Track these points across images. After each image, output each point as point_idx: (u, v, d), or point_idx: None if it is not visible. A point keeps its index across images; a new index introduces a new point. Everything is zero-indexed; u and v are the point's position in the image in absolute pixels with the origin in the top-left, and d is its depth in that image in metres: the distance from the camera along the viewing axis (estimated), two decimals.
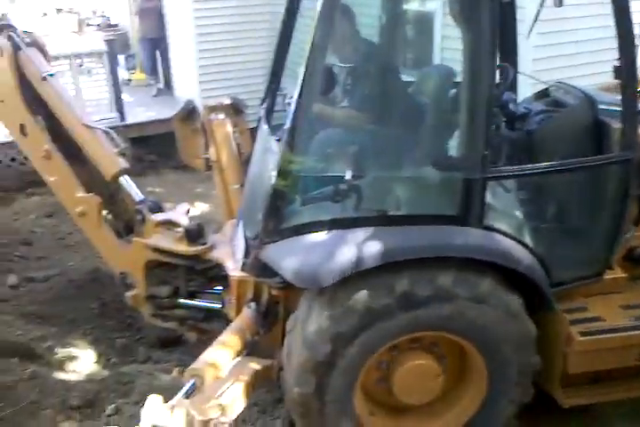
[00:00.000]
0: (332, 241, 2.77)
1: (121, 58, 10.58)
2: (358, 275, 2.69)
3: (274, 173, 2.84)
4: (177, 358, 4.65)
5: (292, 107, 2.74)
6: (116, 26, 11.79)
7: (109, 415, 3.72)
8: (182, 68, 9.95)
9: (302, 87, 2.70)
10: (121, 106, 8.75)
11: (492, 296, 2.80)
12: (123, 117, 8.68)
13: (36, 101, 3.96)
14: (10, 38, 3.97)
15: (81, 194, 3.94)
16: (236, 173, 4.21)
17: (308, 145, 2.94)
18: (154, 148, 8.71)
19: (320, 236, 2.83)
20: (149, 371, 4.26)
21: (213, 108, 4.24)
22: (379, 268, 2.68)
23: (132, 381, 4.04)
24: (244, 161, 4.18)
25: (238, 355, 3.00)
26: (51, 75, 3.96)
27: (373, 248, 2.68)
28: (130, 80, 10.90)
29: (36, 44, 4.09)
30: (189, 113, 4.41)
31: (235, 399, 2.81)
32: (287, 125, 2.77)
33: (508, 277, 2.87)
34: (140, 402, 3.85)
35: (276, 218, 2.90)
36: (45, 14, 12.66)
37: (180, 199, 6.09)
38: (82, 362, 4.17)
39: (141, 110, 9.51)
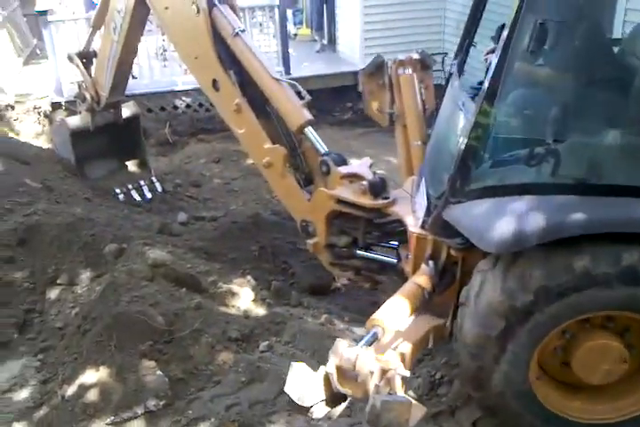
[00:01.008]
0: (527, 206, 2.67)
1: (288, 12, 10.76)
2: (573, 242, 2.58)
3: (466, 132, 2.77)
4: (325, 306, 4.84)
5: (493, 64, 2.64)
6: None
7: (262, 351, 3.94)
8: (347, 23, 9.95)
9: (507, 43, 2.58)
10: (287, 60, 8.96)
11: None
12: (288, 71, 8.88)
13: (227, 57, 4.14)
14: None
15: (268, 145, 4.09)
16: (419, 129, 4.19)
17: (506, 105, 2.82)
18: (314, 102, 8.83)
19: (511, 200, 2.73)
20: (299, 315, 4.47)
21: (402, 63, 4.23)
22: (582, 238, 2.56)
23: (283, 322, 4.25)
24: (427, 118, 4.14)
25: (415, 311, 3.05)
26: (242, 30, 4.11)
27: (576, 217, 2.57)
28: (295, 35, 11.09)
29: (228, 1, 4.27)
30: (378, 67, 4.41)
31: (409, 353, 2.88)
32: (485, 83, 2.67)
33: None
34: (290, 342, 4.08)
35: (465, 178, 2.85)
36: None
37: None
38: (241, 299, 4.42)
39: (304, 65, 9.69)
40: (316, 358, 3.95)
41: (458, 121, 3.12)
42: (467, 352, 2.90)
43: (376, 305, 4.95)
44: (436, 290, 3.13)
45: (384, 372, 2.51)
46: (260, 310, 4.39)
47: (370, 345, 2.67)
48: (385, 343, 2.84)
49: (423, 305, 3.11)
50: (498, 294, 2.73)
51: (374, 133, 8.36)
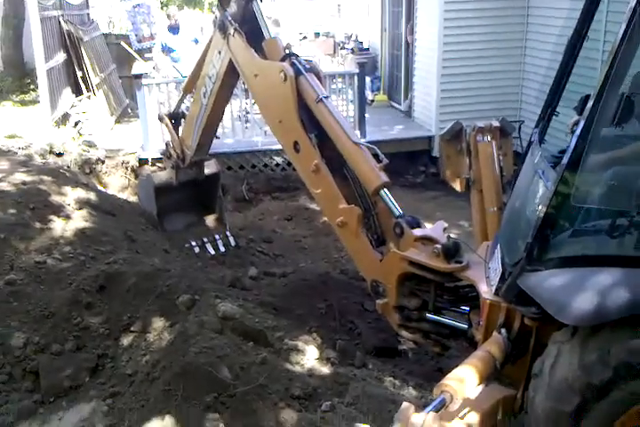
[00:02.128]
0: (609, 279, 2.62)
1: (367, 79, 11.15)
2: None
3: (546, 201, 2.78)
4: (390, 369, 4.76)
5: (577, 134, 2.66)
6: (367, 50, 12.46)
7: (324, 411, 3.89)
8: (423, 90, 10.20)
9: (591, 115, 2.61)
10: (363, 124, 9.22)
11: None
12: (364, 135, 9.12)
13: (309, 121, 4.31)
14: (293, 65, 4.40)
15: (343, 205, 4.16)
16: (496, 196, 4.21)
17: (588, 175, 2.81)
18: (388, 165, 9.03)
19: (592, 271, 2.69)
20: (363, 376, 4.40)
21: (481, 131, 4.30)
22: None
23: (346, 382, 4.20)
24: (504, 184, 4.16)
25: (485, 380, 2.96)
26: (326, 97, 4.28)
27: None
28: (372, 101, 11.43)
29: (314, 70, 4.48)
30: (456, 133, 4.49)
31: (477, 425, 2.79)
32: (568, 153, 2.69)
33: None
34: (353, 404, 4.02)
35: (542, 247, 2.83)
36: (305, 37, 13.88)
37: None
38: (305, 356, 4.41)
39: (379, 129, 9.93)
40: (378, 422, 3.87)
41: (537, 189, 3.13)
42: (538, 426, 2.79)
43: (442, 372, 4.87)
44: (507, 359, 3.04)
45: None
46: (324, 369, 4.35)
47: (437, 412, 2.60)
48: (452, 411, 2.75)
49: (493, 374, 3.02)
50: (574, 369, 2.65)
51: (446, 197, 8.39)
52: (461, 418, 2.79)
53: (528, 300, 2.91)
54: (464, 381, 2.81)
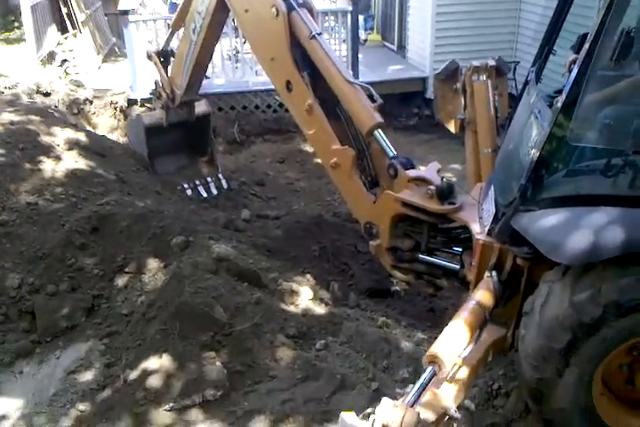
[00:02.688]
0: (603, 218, 2.63)
1: (360, 18, 10.80)
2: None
3: (541, 140, 2.75)
4: (383, 309, 4.85)
5: (574, 73, 2.62)
6: None
7: (318, 350, 3.99)
8: (417, 30, 9.94)
9: (590, 52, 2.55)
10: (356, 65, 9.00)
11: None
12: (356, 76, 8.92)
13: (302, 59, 4.16)
14: (285, 0, 4.22)
15: (336, 146, 4.09)
16: (490, 137, 4.16)
17: (584, 114, 2.77)
18: (380, 107, 8.90)
19: (586, 211, 2.69)
20: (357, 316, 4.49)
21: (476, 70, 4.20)
22: None
23: (340, 322, 4.28)
24: (498, 126, 4.11)
25: (475, 332, 2.93)
26: (319, 33, 4.12)
27: None
28: (365, 40, 11.13)
29: (306, 5, 4.30)
30: (452, 73, 4.39)
31: (467, 379, 2.82)
32: (565, 92, 2.65)
33: None
34: (347, 343, 4.11)
35: (537, 187, 2.82)
36: None
37: None
38: (299, 297, 4.47)
39: (372, 70, 9.72)
40: (372, 360, 3.97)
41: (532, 129, 3.09)
42: (528, 363, 2.86)
43: (433, 312, 4.97)
44: (498, 303, 3.07)
45: (436, 423, 2.42)
46: (318, 309, 4.42)
47: (426, 386, 2.57)
48: (443, 377, 2.73)
49: (483, 325, 3.02)
50: (565, 307, 2.69)
51: (439, 140, 8.34)
52: (449, 381, 2.73)
53: (521, 240, 2.92)
54: (454, 345, 2.76)
